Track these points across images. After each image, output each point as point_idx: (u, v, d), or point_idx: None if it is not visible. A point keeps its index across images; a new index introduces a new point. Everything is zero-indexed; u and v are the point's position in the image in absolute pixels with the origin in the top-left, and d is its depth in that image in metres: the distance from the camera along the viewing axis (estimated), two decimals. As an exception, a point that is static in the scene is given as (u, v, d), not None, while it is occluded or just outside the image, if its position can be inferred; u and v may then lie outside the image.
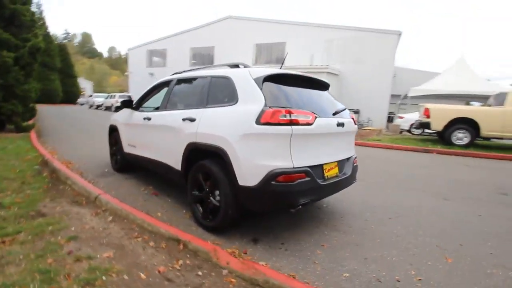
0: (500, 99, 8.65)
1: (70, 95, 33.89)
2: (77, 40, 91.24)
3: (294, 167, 2.26)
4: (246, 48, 21.28)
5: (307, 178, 2.32)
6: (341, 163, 2.84)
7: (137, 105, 4.12)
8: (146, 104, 4.38)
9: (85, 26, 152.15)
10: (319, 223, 2.97)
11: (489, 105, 9.19)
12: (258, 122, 2.25)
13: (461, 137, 8.75)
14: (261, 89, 2.41)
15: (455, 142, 8.77)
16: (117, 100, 22.02)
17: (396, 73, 18.80)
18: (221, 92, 2.75)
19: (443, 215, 3.36)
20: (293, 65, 17.18)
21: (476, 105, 12.07)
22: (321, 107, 2.74)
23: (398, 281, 2.03)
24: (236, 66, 2.94)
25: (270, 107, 2.28)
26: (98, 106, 25.24)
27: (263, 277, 1.84)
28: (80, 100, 35.37)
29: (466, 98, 15.62)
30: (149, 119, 3.57)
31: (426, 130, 10.47)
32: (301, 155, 2.34)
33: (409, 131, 13.95)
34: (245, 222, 2.85)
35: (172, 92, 3.47)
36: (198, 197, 2.79)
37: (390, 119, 17.76)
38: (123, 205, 2.94)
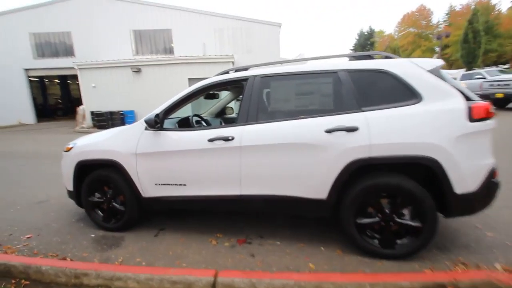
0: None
1: None
2: None
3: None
4: (120, 35, 17.63)
5: None
6: None
7: (161, 123, 2.64)
8: (174, 120, 2.94)
9: None
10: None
11: None
12: (471, 119, 2.00)
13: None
14: (444, 81, 2.12)
15: None
16: None
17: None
18: (380, 90, 2.19)
19: None
20: (186, 55, 15.91)
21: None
22: None
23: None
24: (369, 56, 2.40)
25: (470, 100, 2.07)
26: None
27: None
28: None
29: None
30: (227, 139, 2.38)
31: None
32: None
33: None
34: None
35: (263, 96, 2.45)
36: (368, 225, 2.22)
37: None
38: (296, 274, 1.90)
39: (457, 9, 42.10)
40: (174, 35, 17.95)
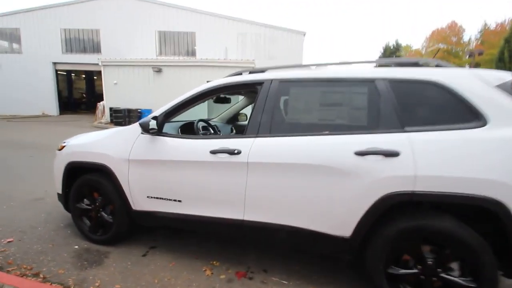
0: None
1: None
2: None
3: None
4: (146, 35, 17.96)
5: None
6: None
7: (160, 127, 2.27)
8: (178, 124, 2.61)
9: None
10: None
11: None
12: None
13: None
14: None
15: None
16: None
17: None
18: (429, 106, 1.73)
19: None
20: (207, 58, 15.84)
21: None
22: None
23: None
24: (416, 64, 1.95)
25: None
26: None
27: None
28: None
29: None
30: (233, 152, 1.99)
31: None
32: None
33: None
34: None
35: (280, 104, 2.05)
36: (402, 277, 1.73)
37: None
38: None
39: (492, 28, 40.11)
40: (198, 37, 18.06)
